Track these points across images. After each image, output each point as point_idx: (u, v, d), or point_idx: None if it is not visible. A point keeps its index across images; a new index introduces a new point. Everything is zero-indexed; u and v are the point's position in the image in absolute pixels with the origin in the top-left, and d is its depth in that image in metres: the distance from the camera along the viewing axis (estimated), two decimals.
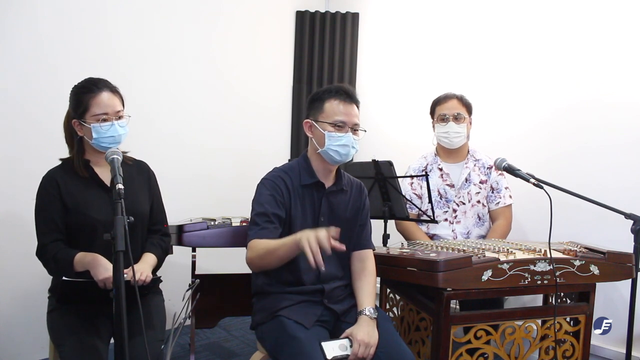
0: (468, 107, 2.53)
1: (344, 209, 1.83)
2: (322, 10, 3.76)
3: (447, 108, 2.50)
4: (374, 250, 1.90)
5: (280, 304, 1.71)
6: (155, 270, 1.90)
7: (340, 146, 1.73)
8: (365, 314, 1.69)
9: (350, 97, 1.76)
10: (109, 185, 1.82)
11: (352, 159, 1.91)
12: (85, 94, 1.77)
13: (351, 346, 1.61)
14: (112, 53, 2.80)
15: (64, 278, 1.68)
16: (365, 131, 1.83)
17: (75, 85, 1.82)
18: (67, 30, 2.63)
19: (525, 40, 2.82)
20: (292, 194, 1.75)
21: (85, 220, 1.76)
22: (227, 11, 3.36)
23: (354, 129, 1.76)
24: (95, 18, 2.73)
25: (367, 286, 1.78)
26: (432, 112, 2.59)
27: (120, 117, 1.80)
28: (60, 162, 1.86)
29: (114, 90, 1.82)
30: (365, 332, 1.63)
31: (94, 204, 1.78)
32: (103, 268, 1.64)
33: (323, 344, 1.58)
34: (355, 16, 3.71)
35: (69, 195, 1.77)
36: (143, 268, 1.78)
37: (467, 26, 3.10)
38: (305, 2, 3.76)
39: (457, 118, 2.47)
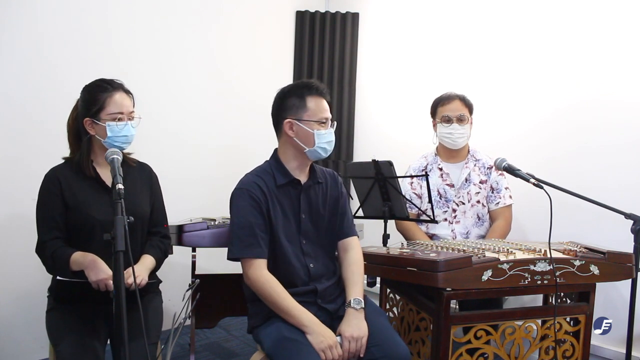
0: (470, 108, 2.52)
1: (323, 201, 1.83)
2: (322, 10, 3.76)
3: (450, 109, 2.49)
4: (358, 237, 1.90)
5: None
6: (154, 271, 1.90)
7: (328, 143, 1.75)
8: (351, 307, 1.69)
9: (324, 92, 1.77)
10: (110, 185, 1.83)
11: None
12: (102, 93, 1.79)
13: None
14: (112, 53, 2.80)
15: (58, 278, 1.68)
16: (335, 122, 1.84)
17: (88, 84, 1.84)
18: (67, 30, 2.63)
19: (526, 41, 2.82)
20: (269, 197, 1.73)
21: (84, 219, 1.76)
22: (227, 11, 3.36)
23: (332, 124, 1.78)
24: (95, 18, 2.74)
25: (352, 276, 1.78)
26: (434, 112, 2.57)
27: (132, 118, 1.82)
28: (63, 161, 1.87)
29: (127, 91, 1.86)
30: (353, 325, 1.63)
31: (95, 204, 1.79)
32: (98, 270, 1.64)
33: None
34: (355, 16, 3.71)
35: (70, 194, 1.78)
36: (139, 271, 1.78)
37: (467, 26, 3.10)
38: (305, 2, 3.76)
39: (460, 119, 2.46)
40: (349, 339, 1.60)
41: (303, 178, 1.80)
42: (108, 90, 1.80)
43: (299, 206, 1.78)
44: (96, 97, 1.79)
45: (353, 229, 1.90)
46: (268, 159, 1.86)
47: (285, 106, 1.77)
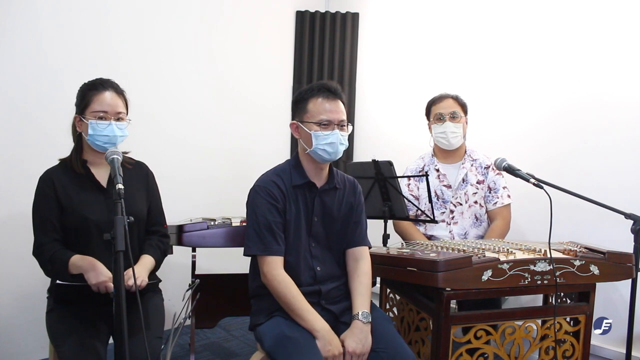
0: (463, 107, 2.53)
1: (337, 207, 1.82)
2: (322, 10, 3.76)
3: (442, 107, 2.49)
4: (370, 247, 1.88)
5: (278, 304, 1.70)
6: (154, 271, 1.90)
7: (328, 145, 1.71)
8: (359, 319, 1.67)
9: (333, 93, 1.74)
10: (105, 186, 1.83)
11: (344, 156, 1.90)
12: (90, 91, 1.80)
13: None
14: (112, 53, 2.80)
15: (57, 282, 1.68)
16: (352, 126, 1.82)
17: (84, 83, 1.84)
18: (67, 30, 2.63)
19: (525, 41, 2.82)
20: (287, 196, 1.74)
21: (79, 220, 1.76)
22: (227, 11, 3.36)
23: (341, 125, 1.74)
24: (95, 18, 2.74)
25: (360, 287, 1.76)
26: (428, 113, 2.58)
27: (120, 119, 1.81)
28: (58, 162, 1.87)
29: (119, 91, 1.85)
30: (358, 339, 1.62)
31: (89, 205, 1.78)
32: (97, 272, 1.63)
33: None
34: (355, 16, 3.72)
35: (64, 195, 1.77)
36: (139, 272, 1.77)
37: (467, 26, 3.10)
38: (305, 2, 3.76)
39: (453, 117, 2.46)
40: (352, 354, 1.60)
41: (320, 182, 1.80)
42: (97, 89, 1.80)
43: (313, 208, 1.78)
44: (85, 94, 1.80)
45: (366, 239, 1.88)
46: (289, 158, 1.87)
47: (295, 108, 1.80)
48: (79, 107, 1.81)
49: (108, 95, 1.79)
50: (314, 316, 1.63)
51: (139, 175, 1.96)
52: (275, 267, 1.68)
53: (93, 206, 1.78)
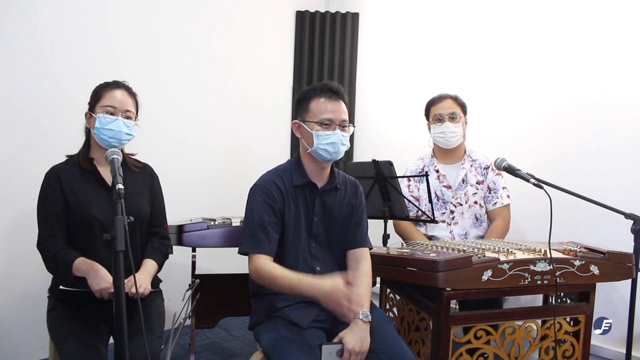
0: (463, 107, 2.52)
1: (338, 207, 1.82)
2: (322, 10, 3.77)
3: (442, 108, 2.49)
4: (371, 248, 1.88)
5: (277, 304, 1.70)
6: (155, 274, 1.91)
7: (329, 144, 1.72)
8: (359, 318, 1.66)
9: (336, 94, 1.74)
10: (110, 185, 1.83)
11: (344, 156, 1.90)
12: (103, 88, 1.84)
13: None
14: (112, 53, 2.80)
15: (61, 287, 1.69)
16: (354, 126, 1.82)
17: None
18: (67, 30, 2.63)
19: (525, 41, 2.82)
20: (286, 196, 1.74)
21: (84, 217, 1.77)
22: (227, 11, 3.37)
23: (342, 125, 1.74)
24: (95, 18, 2.74)
25: (361, 287, 1.75)
26: (427, 113, 2.58)
27: (128, 117, 1.83)
28: (66, 158, 1.89)
29: (131, 92, 1.88)
30: (357, 338, 1.61)
31: (94, 202, 1.79)
32: (100, 278, 1.64)
33: (323, 346, 1.58)
34: (355, 16, 3.72)
35: (70, 191, 1.78)
36: (142, 280, 1.78)
37: (467, 26, 3.10)
38: (305, 2, 3.76)
39: (452, 117, 2.46)
40: (351, 352, 1.59)
41: (321, 182, 1.80)
42: (110, 86, 1.84)
43: (313, 208, 1.78)
44: (98, 91, 1.84)
45: (367, 240, 1.87)
46: (290, 158, 1.87)
47: (297, 108, 1.81)
48: (90, 103, 1.84)
49: (119, 93, 1.83)
50: (308, 285, 1.58)
51: (144, 177, 1.97)
52: (262, 264, 1.66)
53: (98, 204, 1.79)
